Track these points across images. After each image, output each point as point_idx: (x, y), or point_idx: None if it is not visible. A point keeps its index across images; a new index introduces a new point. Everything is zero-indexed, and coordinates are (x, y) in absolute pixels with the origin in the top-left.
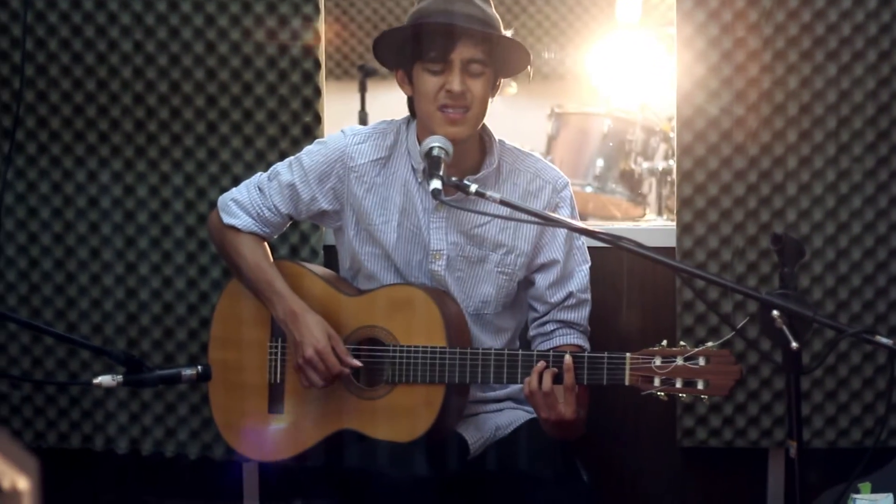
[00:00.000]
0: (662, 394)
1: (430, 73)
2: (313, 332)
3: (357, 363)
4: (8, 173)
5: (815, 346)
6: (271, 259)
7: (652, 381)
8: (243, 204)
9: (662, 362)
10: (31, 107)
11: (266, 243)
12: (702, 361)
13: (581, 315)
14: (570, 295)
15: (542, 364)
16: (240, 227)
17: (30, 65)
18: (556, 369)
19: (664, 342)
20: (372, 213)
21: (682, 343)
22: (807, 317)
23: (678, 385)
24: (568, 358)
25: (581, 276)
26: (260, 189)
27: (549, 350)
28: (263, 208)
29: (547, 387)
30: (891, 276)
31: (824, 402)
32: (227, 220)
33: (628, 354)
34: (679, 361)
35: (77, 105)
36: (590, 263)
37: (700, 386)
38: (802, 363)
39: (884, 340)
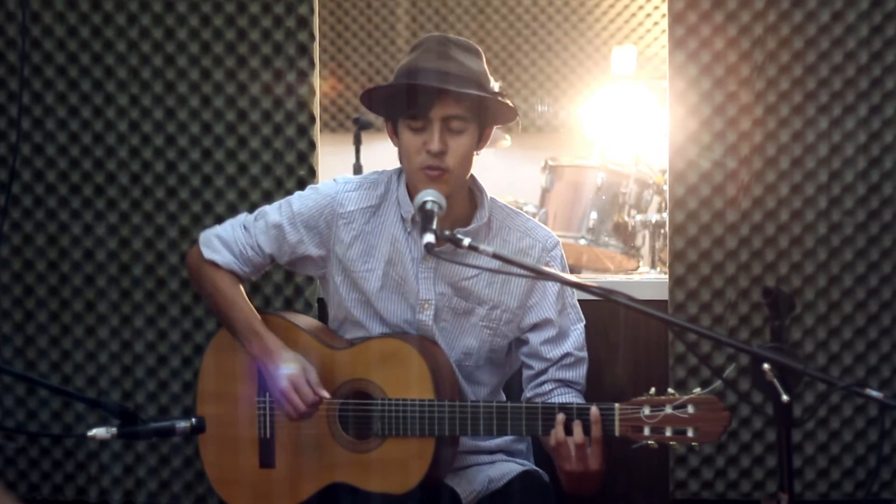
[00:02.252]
0: (653, 442)
1: (411, 131)
2: (287, 363)
3: (327, 394)
4: (4, 226)
5: (807, 398)
6: (247, 297)
7: (642, 431)
8: (226, 241)
9: (651, 411)
10: (28, 160)
11: (243, 284)
12: (690, 409)
13: (579, 374)
14: (567, 354)
15: (562, 416)
16: (220, 263)
17: (26, 118)
18: (581, 422)
19: (652, 390)
20: (357, 260)
21: (670, 391)
22: (797, 370)
23: (668, 434)
24: (595, 409)
25: (577, 334)
26: (245, 227)
27: (539, 403)
28: (247, 247)
29: (580, 438)
30: (882, 329)
31: (816, 455)
32: (207, 254)
33: (617, 405)
34: (668, 410)
35: (73, 158)
36: (584, 322)
37: (690, 434)
38: (794, 416)
39: (874, 393)
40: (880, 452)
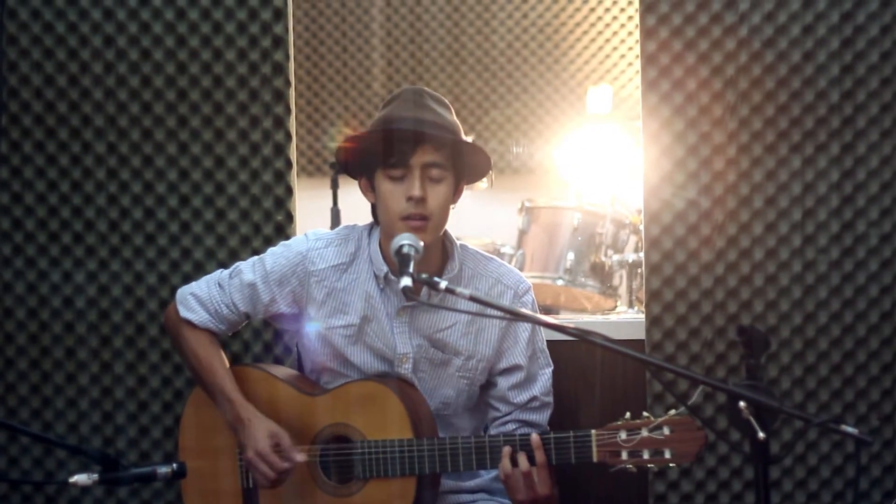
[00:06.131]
0: (631, 466)
1: (391, 180)
2: (255, 435)
3: (300, 458)
4: None
5: (784, 435)
6: (224, 359)
7: (620, 455)
8: (202, 299)
9: (628, 435)
10: (6, 208)
11: (219, 342)
12: (666, 430)
13: (543, 417)
14: (533, 398)
15: (508, 449)
16: (196, 322)
17: (4, 166)
18: (525, 452)
19: (627, 415)
20: (330, 317)
21: (645, 414)
22: (773, 407)
23: (646, 456)
24: (535, 436)
25: (544, 379)
26: (220, 285)
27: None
28: (222, 305)
29: (525, 466)
30: (857, 365)
31: (794, 491)
32: (183, 313)
33: (593, 431)
34: (644, 433)
35: (51, 206)
36: (552, 367)
37: (667, 455)
38: (771, 452)
39: (850, 430)
40: (856, 488)
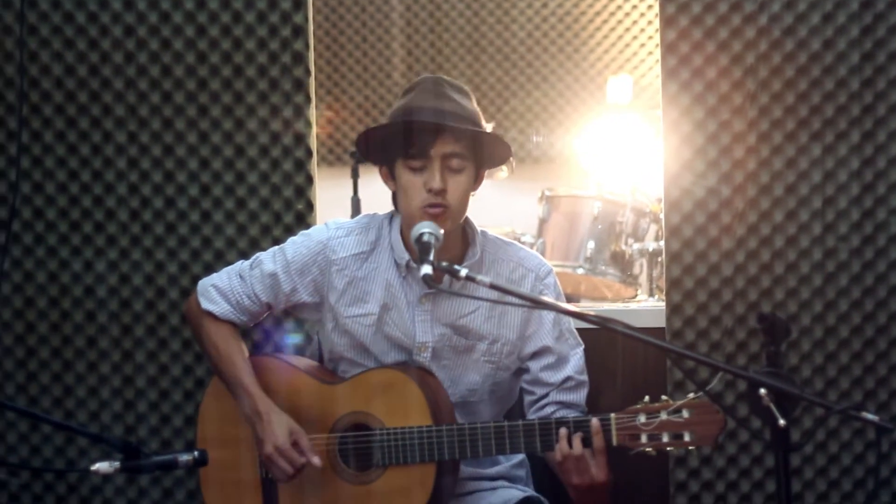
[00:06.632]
0: (651, 449)
1: (411, 171)
2: (274, 430)
3: (316, 461)
4: (5, 263)
5: (805, 423)
6: (245, 351)
7: (639, 439)
8: (223, 290)
9: (647, 419)
10: (28, 198)
11: (240, 334)
12: (686, 413)
13: (580, 397)
14: (567, 378)
15: (564, 431)
16: (217, 313)
17: (26, 156)
18: (580, 434)
19: (646, 398)
20: (350, 306)
21: (664, 398)
22: (793, 395)
23: (665, 439)
24: (595, 420)
25: (576, 359)
26: (241, 276)
27: (536, 420)
28: (243, 296)
29: (578, 451)
30: (878, 353)
31: (815, 478)
32: (205, 305)
33: (613, 415)
34: (663, 416)
35: (72, 196)
36: (583, 346)
37: (687, 438)
38: (791, 440)
39: (870, 416)
40: (877, 476)
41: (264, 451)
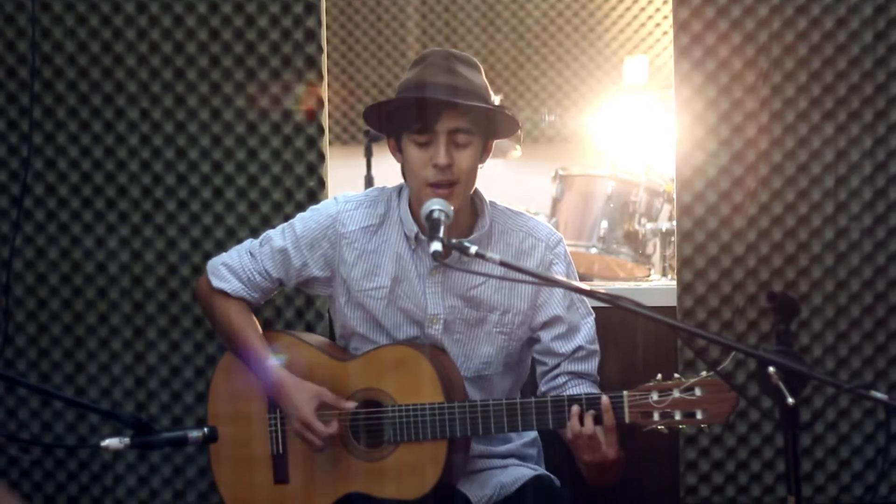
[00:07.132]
0: (663, 427)
1: (416, 146)
2: (296, 403)
3: (332, 430)
4: (17, 240)
5: (815, 402)
6: (258, 326)
7: (651, 416)
8: (234, 268)
9: (660, 396)
10: (40, 174)
11: (252, 310)
12: (698, 391)
13: (591, 366)
14: (579, 348)
15: (576, 408)
16: (229, 291)
17: (38, 132)
18: (592, 412)
19: (659, 376)
20: (362, 279)
21: (676, 375)
22: (802, 373)
23: (677, 417)
24: (605, 398)
25: (587, 328)
26: (251, 254)
27: (549, 397)
28: (254, 272)
29: (589, 429)
30: (890, 333)
31: (826, 458)
32: (216, 283)
33: (625, 392)
34: (676, 394)
35: (84, 172)
36: (593, 315)
37: (699, 416)
38: (800, 419)
39: (879, 396)
40: (886, 455)
41: (294, 426)
